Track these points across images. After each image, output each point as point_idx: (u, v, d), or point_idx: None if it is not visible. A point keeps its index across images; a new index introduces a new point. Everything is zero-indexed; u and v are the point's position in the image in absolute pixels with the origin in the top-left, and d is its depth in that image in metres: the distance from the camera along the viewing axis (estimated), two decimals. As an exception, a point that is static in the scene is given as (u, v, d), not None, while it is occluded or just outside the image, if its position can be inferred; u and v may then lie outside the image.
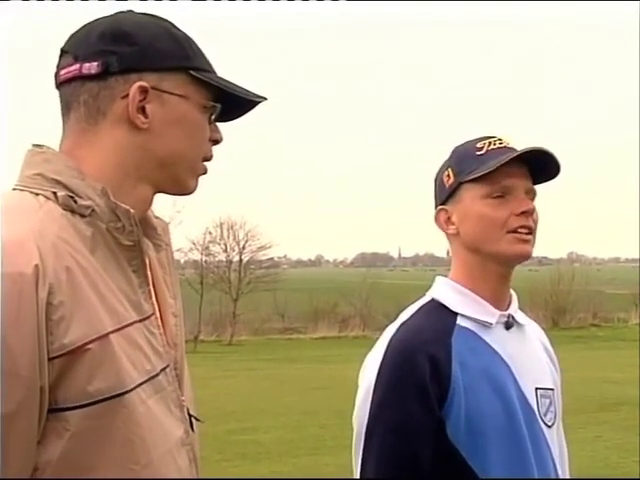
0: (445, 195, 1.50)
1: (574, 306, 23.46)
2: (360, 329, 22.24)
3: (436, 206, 1.53)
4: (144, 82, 1.06)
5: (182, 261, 24.18)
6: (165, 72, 1.07)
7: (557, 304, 22.90)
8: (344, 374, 13.29)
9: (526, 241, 1.44)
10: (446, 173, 1.51)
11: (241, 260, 23.02)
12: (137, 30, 1.08)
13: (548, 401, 1.47)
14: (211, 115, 1.11)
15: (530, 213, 1.44)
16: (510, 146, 1.47)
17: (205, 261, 22.94)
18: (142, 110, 1.06)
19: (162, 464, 1.02)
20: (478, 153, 1.47)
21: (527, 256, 1.44)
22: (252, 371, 14.28)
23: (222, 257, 23.12)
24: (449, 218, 1.50)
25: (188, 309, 21.22)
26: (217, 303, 22.31)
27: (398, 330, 1.44)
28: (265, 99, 1.13)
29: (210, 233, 23.03)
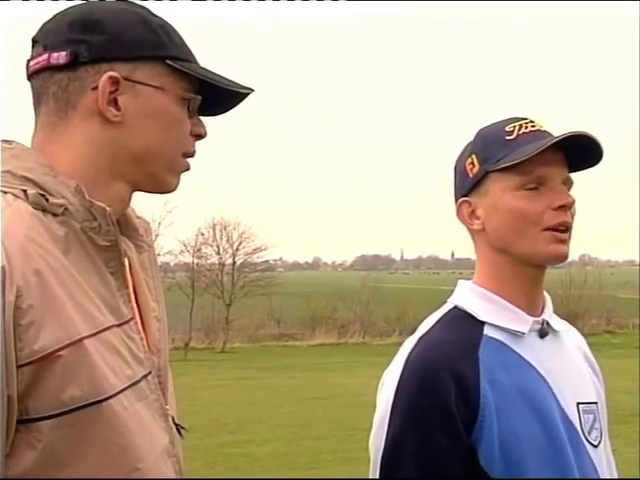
0: (469, 185, 1.38)
1: (586, 312, 23.49)
2: (360, 335, 22.23)
3: (457, 198, 1.41)
4: (115, 72, 1.04)
5: (172, 264, 24.22)
6: (138, 62, 1.06)
7: (568, 309, 22.88)
8: (343, 383, 13.29)
9: (563, 240, 1.32)
10: (469, 160, 1.38)
11: (234, 263, 23.03)
12: (108, 18, 1.06)
13: (592, 417, 1.37)
14: (190, 108, 1.09)
15: (569, 207, 1.32)
16: (543, 129, 1.36)
17: (197, 264, 22.94)
18: (114, 102, 1.05)
19: (151, 472, 1.01)
20: (508, 138, 1.35)
21: (565, 258, 1.34)
22: (246, 380, 14.27)
23: (215, 259, 23.16)
24: (473, 212, 1.38)
25: (178, 314, 21.23)
26: (209, 308, 22.30)
27: (417, 344, 1.32)
28: (251, 90, 1.11)
29: (202, 234, 23.09)
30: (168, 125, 1.07)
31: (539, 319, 1.36)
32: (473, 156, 1.38)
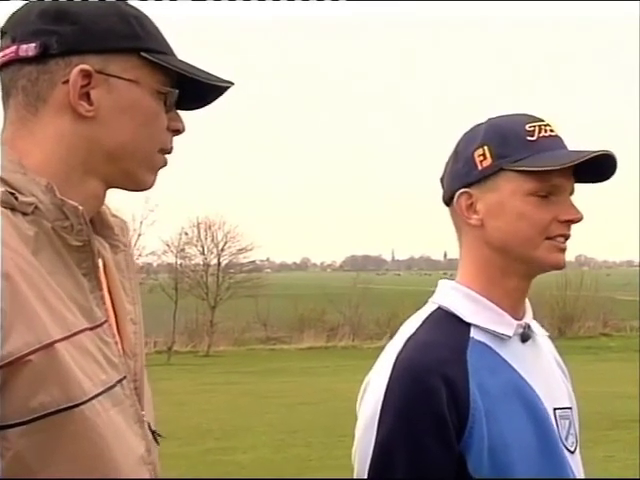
0: (474, 177, 1.35)
1: (583, 314, 23.60)
2: (349, 339, 22.26)
3: (454, 185, 1.38)
4: (87, 65, 1.03)
5: (155, 264, 24.17)
6: (112, 54, 1.05)
7: (564, 311, 23.03)
8: (332, 388, 13.29)
9: (564, 250, 1.36)
10: (480, 151, 1.35)
11: (219, 263, 23.00)
12: (80, 8, 1.05)
13: (568, 422, 1.38)
14: (167, 102, 1.08)
15: (576, 222, 1.35)
16: (559, 134, 1.37)
17: (180, 264, 22.90)
18: (86, 97, 1.03)
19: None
20: (529, 139, 1.34)
21: (562, 267, 1.37)
22: (231, 385, 14.26)
23: (199, 260, 23.12)
24: (471, 205, 1.36)
25: (161, 317, 21.17)
26: (193, 310, 22.26)
27: (405, 346, 1.30)
28: (231, 84, 1.10)
29: (186, 234, 23.04)
30: (144, 120, 1.07)
31: (522, 323, 1.38)
32: (485, 147, 1.35)
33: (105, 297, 1.07)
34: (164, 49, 1.09)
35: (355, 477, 1.31)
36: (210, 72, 1.09)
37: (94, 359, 1.00)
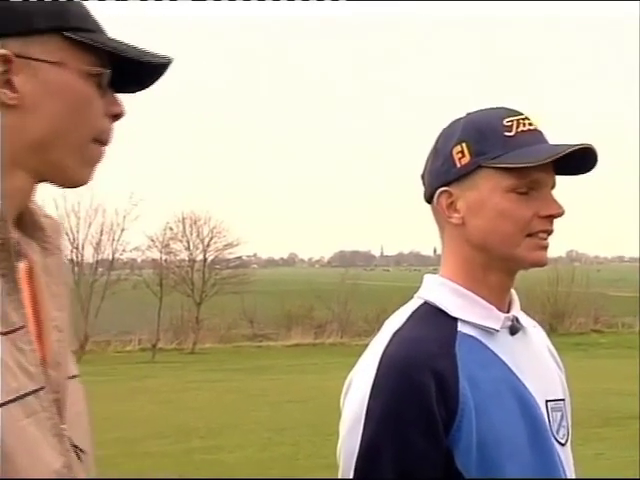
0: (454, 175, 1.35)
1: (574, 310, 23.73)
2: (338, 336, 22.31)
3: (433, 183, 1.39)
4: (5, 50, 0.97)
5: (139, 260, 24.14)
6: (32, 36, 0.98)
7: (555, 307, 23.15)
8: (320, 385, 13.29)
9: (546, 247, 1.36)
10: (458, 148, 1.36)
11: (205, 259, 22.98)
12: None
13: (560, 415, 1.39)
14: (101, 84, 1.02)
15: (558, 217, 1.35)
16: (539, 129, 1.37)
17: (165, 260, 22.86)
18: (8, 83, 0.98)
19: None
20: (507, 134, 1.34)
21: (544, 264, 1.37)
22: (217, 383, 14.25)
23: (184, 256, 23.08)
24: (452, 203, 1.36)
25: (146, 314, 21.15)
26: (178, 307, 22.22)
27: (391, 341, 1.30)
28: (168, 60, 1.04)
29: (171, 229, 22.98)
30: (73, 105, 1.00)
31: (509, 315, 1.38)
32: (464, 144, 1.36)
33: (25, 301, 1.00)
34: (91, 27, 1.03)
35: (341, 477, 1.31)
36: (146, 49, 1.03)
37: (4, 366, 0.94)
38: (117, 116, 1.05)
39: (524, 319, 1.43)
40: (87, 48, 1.01)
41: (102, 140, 1.04)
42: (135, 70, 1.04)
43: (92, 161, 1.04)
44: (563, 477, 1.36)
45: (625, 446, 7.87)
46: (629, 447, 7.80)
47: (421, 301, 1.38)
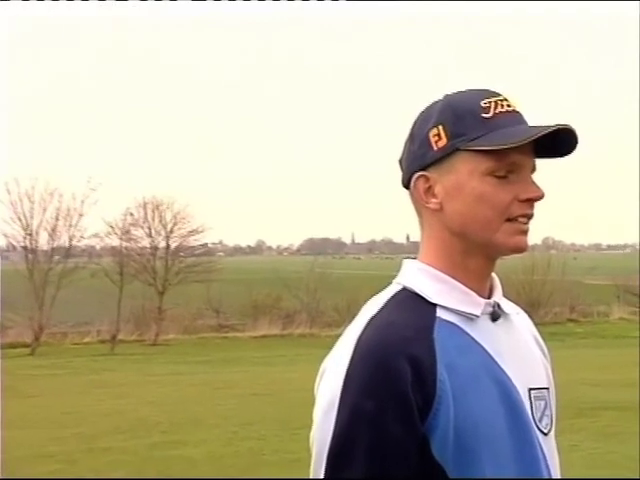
0: (430, 159, 1.36)
1: (549, 298, 24.03)
2: (307, 326, 22.35)
3: (410, 168, 1.39)
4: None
5: (98, 247, 23.90)
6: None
7: (530, 296, 23.37)
8: (288, 378, 13.29)
9: (526, 232, 1.36)
10: (435, 131, 1.36)
11: (168, 246, 22.84)
12: None
13: (543, 403, 1.41)
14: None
15: (537, 200, 1.36)
16: (517, 110, 1.37)
17: (125, 247, 22.66)
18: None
19: None
20: (484, 115, 1.34)
21: (524, 250, 1.37)
22: (180, 376, 14.21)
23: (146, 243, 22.90)
24: (430, 188, 1.37)
25: (105, 303, 20.98)
26: (139, 296, 22.09)
27: (367, 327, 1.31)
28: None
29: (131, 214, 22.77)
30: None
31: (490, 301, 1.39)
32: (440, 127, 1.36)
33: None
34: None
35: (313, 463, 1.31)
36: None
37: None
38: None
39: (507, 305, 1.43)
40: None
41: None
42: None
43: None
44: (544, 468, 1.37)
45: (600, 437, 8.00)
46: (604, 438, 7.92)
47: (399, 287, 1.39)
